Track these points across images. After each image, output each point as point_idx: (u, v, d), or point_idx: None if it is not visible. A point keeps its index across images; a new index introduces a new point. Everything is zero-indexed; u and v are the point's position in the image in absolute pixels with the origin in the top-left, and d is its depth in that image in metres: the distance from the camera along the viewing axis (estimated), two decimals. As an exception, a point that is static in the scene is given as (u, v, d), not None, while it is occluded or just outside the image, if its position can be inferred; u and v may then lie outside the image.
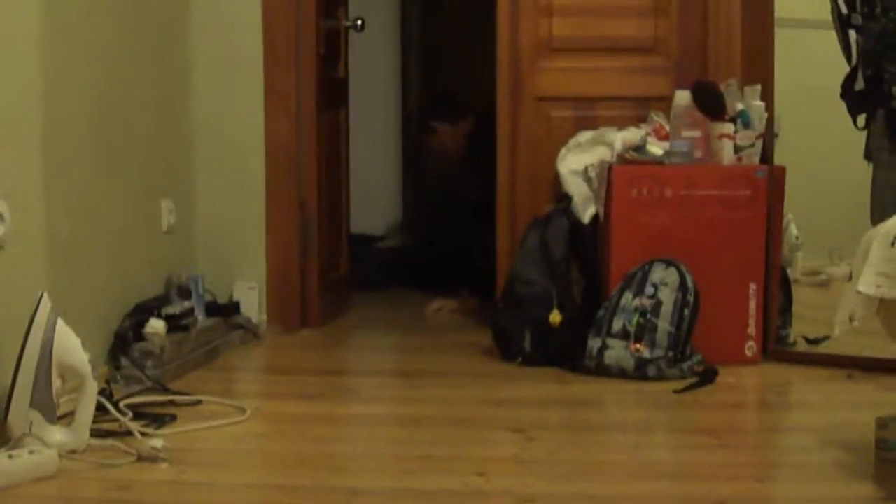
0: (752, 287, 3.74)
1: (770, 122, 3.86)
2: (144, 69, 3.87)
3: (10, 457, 2.45)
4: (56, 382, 2.64)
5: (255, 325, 4.27)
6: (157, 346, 3.49)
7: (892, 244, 2.35)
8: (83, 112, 3.38)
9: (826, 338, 3.77)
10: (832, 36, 3.81)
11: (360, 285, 5.23)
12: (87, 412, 2.66)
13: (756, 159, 3.83)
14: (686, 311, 3.57)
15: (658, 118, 4.08)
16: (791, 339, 3.92)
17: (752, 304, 3.74)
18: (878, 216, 3.58)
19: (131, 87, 3.75)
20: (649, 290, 3.61)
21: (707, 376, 3.51)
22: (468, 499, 2.38)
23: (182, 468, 2.58)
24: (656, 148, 3.88)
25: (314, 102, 4.39)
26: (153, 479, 2.52)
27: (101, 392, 2.88)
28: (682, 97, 3.87)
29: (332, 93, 4.69)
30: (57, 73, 3.18)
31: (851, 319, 2.46)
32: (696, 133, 3.85)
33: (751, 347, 3.75)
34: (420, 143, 5.70)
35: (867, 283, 2.38)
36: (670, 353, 3.53)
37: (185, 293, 3.93)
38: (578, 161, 4.03)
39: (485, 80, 4.58)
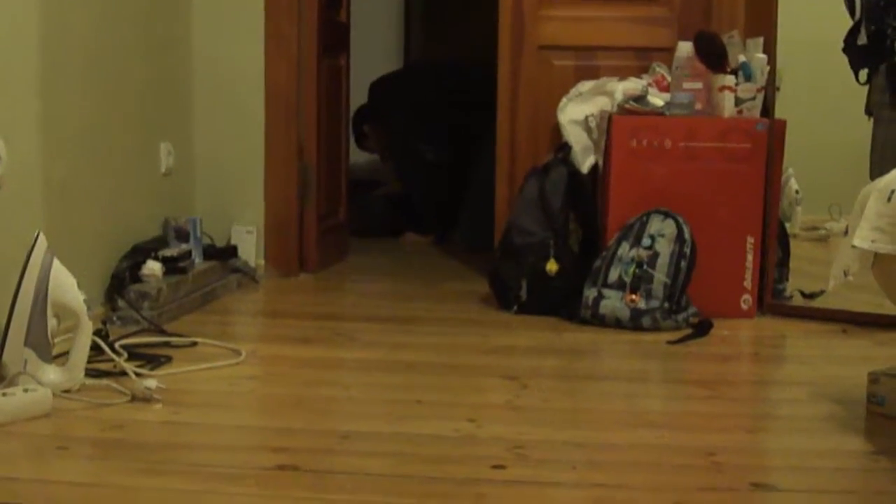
0: (750, 240, 3.74)
1: (772, 75, 3.84)
2: (144, 10, 3.85)
3: (5, 395, 2.46)
4: (51, 322, 2.65)
5: (252, 269, 4.27)
6: (154, 288, 3.50)
7: (889, 199, 2.35)
8: (81, 53, 3.36)
9: (822, 292, 3.78)
10: (836, -11, 3.80)
11: (358, 231, 5.24)
12: (81, 352, 2.67)
13: (757, 112, 3.81)
14: (683, 263, 3.57)
15: (660, 69, 4.06)
16: (787, 293, 3.92)
17: (749, 258, 3.75)
18: (877, 172, 3.57)
19: (130, 28, 3.73)
20: (646, 241, 3.61)
21: (702, 328, 3.52)
22: (459, 444, 2.39)
23: (176, 409, 2.60)
24: (657, 99, 3.86)
25: (315, 46, 4.38)
26: (147, 419, 2.53)
27: (97, 332, 2.89)
28: (685, 48, 3.85)
29: (334, 37, 4.66)
30: (54, 13, 3.16)
31: (846, 274, 2.47)
32: (698, 85, 3.83)
33: (746, 301, 3.76)
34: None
35: (862, 238, 2.38)
36: (666, 305, 3.54)
37: (182, 236, 3.93)
38: (579, 111, 4.02)
39: (487, 27, 4.56)
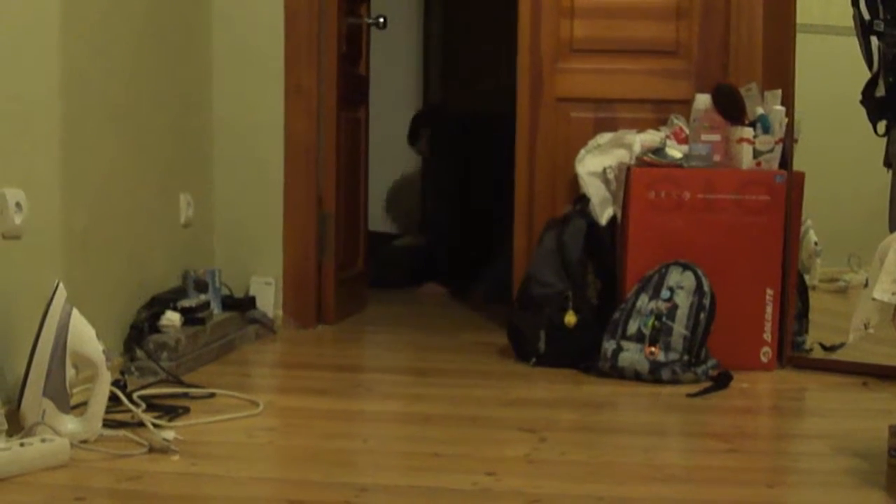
0: (769, 292, 3.73)
1: (790, 127, 3.85)
2: (166, 64, 3.89)
3: (22, 444, 2.46)
4: (70, 372, 2.65)
5: (270, 320, 4.28)
6: (173, 339, 3.51)
7: (908, 251, 2.34)
8: (103, 104, 3.39)
9: (842, 345, 3.76)
10: (853, 42, 3.80)
11: (376, 282, 5.25)
12: (100, 402, 2.67)
13: (775, 164, 3.81)
14: (702, 315, 3.56)
15: (678, 121, 4.07)
16: (807, 345, 3.90)
17: (769, 310, 3.73)
18: (895, 223, 3.57)
19: (152, 80, 3.76)
20: (665, 293, 3.60)
21: (721, 381, 3.50)
22: (477, 498, 2.38)
23: (193, 460, 2.59)
24: (675, 151, 3.87)
25: (335, 99, 4.41)
26: (164, 470, 2.53)
27: (115, 383, 2.89)
28: (703, 101, 3.87)
29: (353, 90, 4.70)
30: (77, 65, 3.19)
31: (866, 326, 2.46)
32: (716, 137, 3.84)
33: (766, 353, 3.74)
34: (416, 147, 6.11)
35: (882, 290, 2.37)
36: (685, 357, 3.52)
37: (201, 286, 3.94)
38: (597, 163, 4.03)
39: (505, 79, 4.58)
